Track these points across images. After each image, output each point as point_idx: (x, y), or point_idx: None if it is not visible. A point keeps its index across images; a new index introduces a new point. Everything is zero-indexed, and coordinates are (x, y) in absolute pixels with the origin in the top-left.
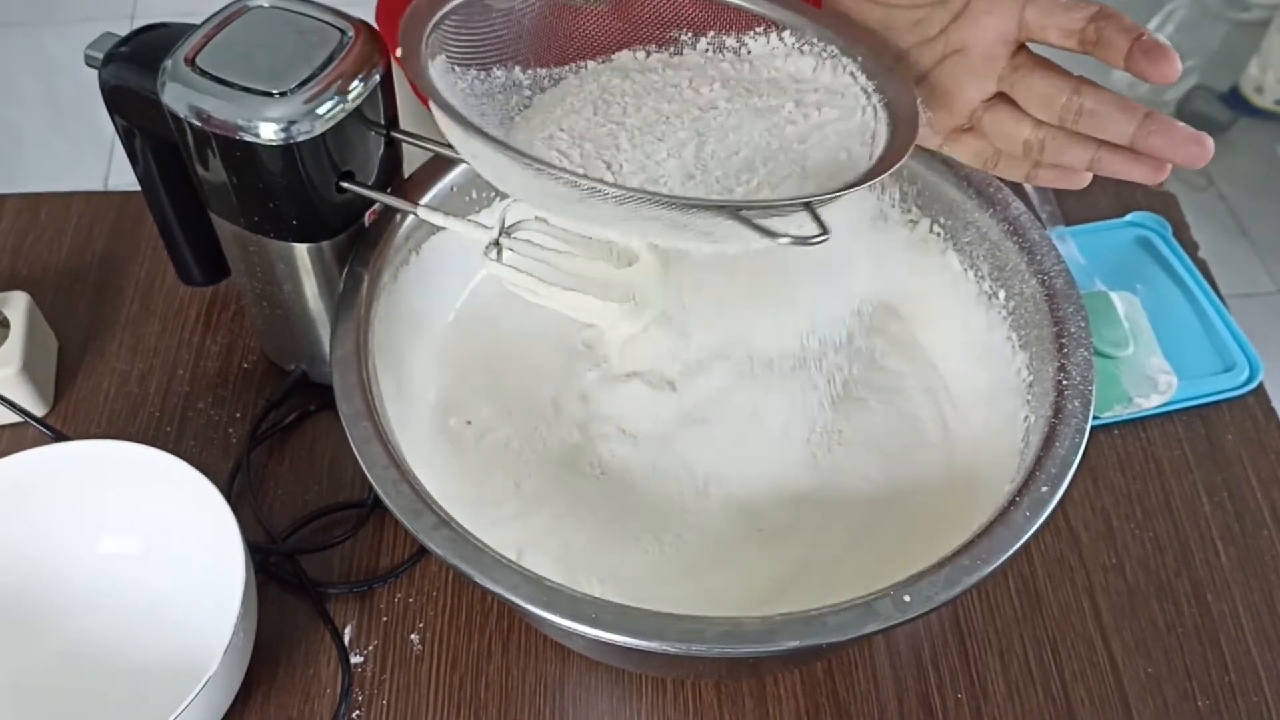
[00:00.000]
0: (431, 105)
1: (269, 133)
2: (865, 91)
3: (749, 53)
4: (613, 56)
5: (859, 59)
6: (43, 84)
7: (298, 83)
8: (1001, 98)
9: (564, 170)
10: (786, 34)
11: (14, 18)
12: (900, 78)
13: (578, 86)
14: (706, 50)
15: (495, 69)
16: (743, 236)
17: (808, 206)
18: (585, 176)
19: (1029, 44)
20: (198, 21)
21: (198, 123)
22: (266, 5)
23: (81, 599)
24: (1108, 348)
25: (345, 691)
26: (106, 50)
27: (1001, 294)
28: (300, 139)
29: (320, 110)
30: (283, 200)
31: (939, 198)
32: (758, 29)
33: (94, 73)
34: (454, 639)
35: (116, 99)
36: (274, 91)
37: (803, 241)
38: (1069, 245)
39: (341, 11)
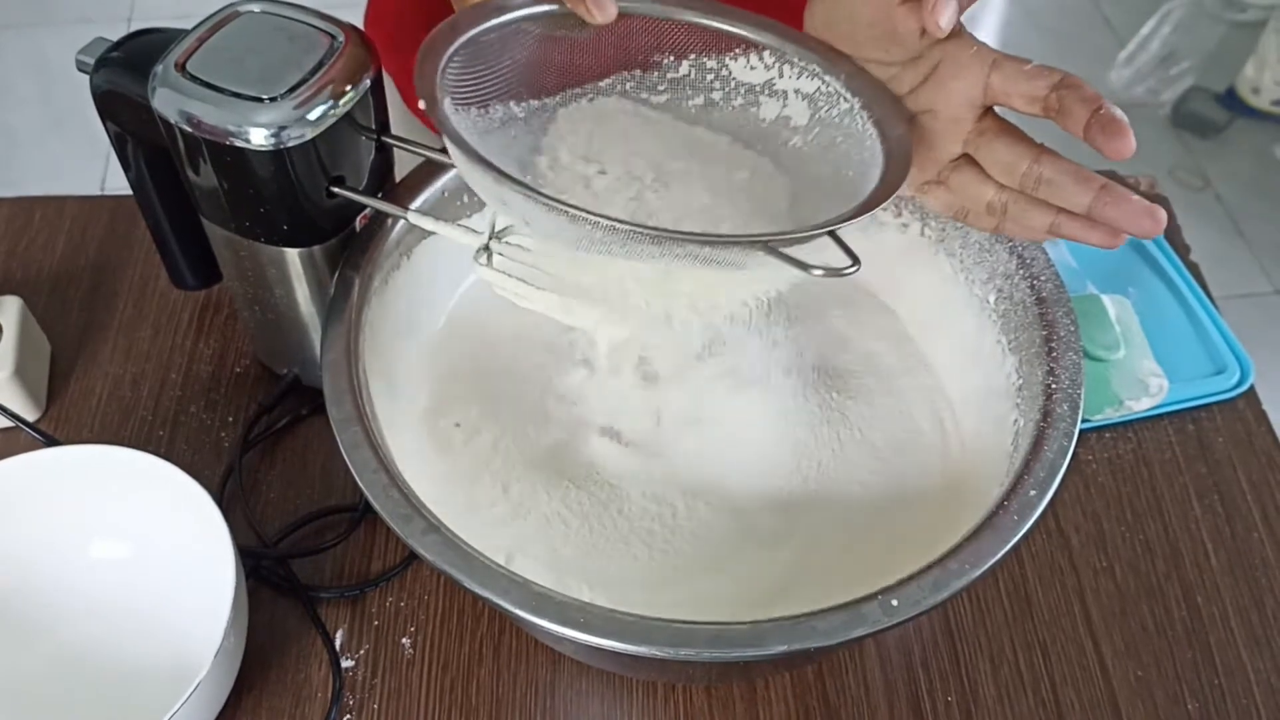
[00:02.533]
0: (458, 156)
1: (259, 138)
2: (854, 111)
3: (730, 74)
4: (601, 88)
5: (842, 77)
6: (39, 86)
7: (288, 88)
8: (968, 158)
9: (604, 216)
10: (767, 54)
11: (10, 19)
12: (880, 89)
13: (583, 124)
14: (689, 73)
15: (494, 105)
16: (770, 267)
17: (833, 234)
18: (624, 221)
19: (997, 108)
20: (194, 24)
21: (188, 128)
22: (257, 10)
23: (73, 603)
24: (1099, 350)
25: (336, 695)
26: (98, 55)
27: (992, 298)
28: (291, 144)
29: (311, 115)
30: (274, 205)
31: None
32: (737, 50)
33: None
34: (445, 643)
35: (108, 104)
36: (264, 97)
37: (836, 273)
38: (1061, 248)
39: (332, 16)
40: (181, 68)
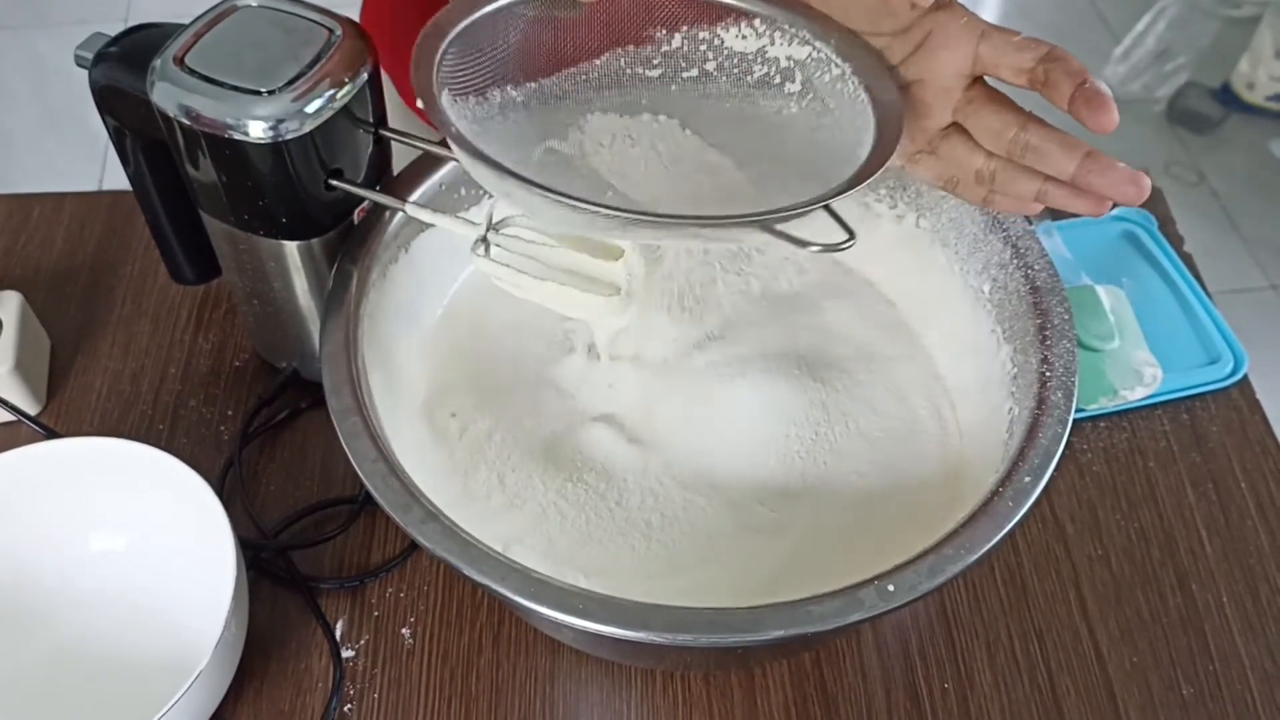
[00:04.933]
0: (461, 154)
1: (258, 131)
2: (845, 78)
3: (722, 43)
4: (599, 66)
5: (833, 42)
6: (35, 87)
7: (286, 81)
8: (957, 127)
9: (603, 205)
10: (757, 22)
11: (6, 20)
12: (875, 60)
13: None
14: (682, 46)
15: (491, 91)
16: (767, 242)
17: (828, 208)
18: (623, 209)
19: (986, 77)
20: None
21: (187, 122)
22: (255, 4)
23: (74, 595)
24: (1093, 341)
25: (337, 685)
26: (96, 50)
27: (987, 287)
28: (289, 137)
29: (308, 108)
30: (272, 198)
31: (924, 192)
32: (729, 19)
33: (86, 74)
34: (445, 633)
35: (106, 99)
36: (262, 90)
37: (832, 248)
38: (1055, 240)
39: (329, 10)
40: (180, 62)
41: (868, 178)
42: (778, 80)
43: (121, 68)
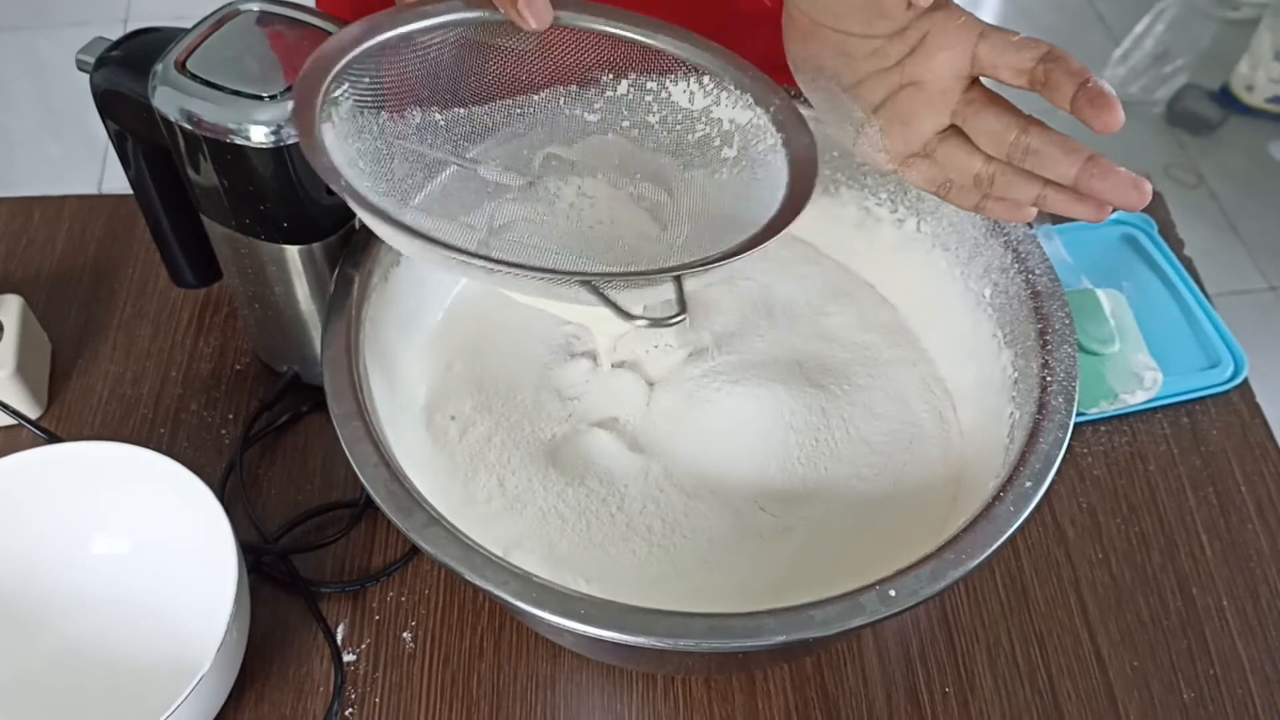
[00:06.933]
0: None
1: (259, 136)
2: (773, 145)
3: (669, 96)
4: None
5: (771, 109)
6: (35, 88)
7: (287, 86)
8: (955, 130)
9: (441, 244)
10: (706, 79)
11: (6, 21)
12: (806, 132)
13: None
14: (627, 93)
15: (411, 110)
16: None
17: (676, 280)
18: (458, 249)
19: (984, 79)
20: (190, 26)
21: (189, 126)
22: (256, 9)
23: (75, 599)
24: (1094, 345)
25: (338, 689)
26: (98, 54)
27: (988, 292)
28: (290, 142)
29: None
30: (273, 203)
31: (925, 197)
32: (677, 73)
33: (87, 76)
34: (446, 637)
35: (108, 103)
36: (264, 95)
37: (659, 323)
38: (1055, 243)
39: (330, 15)
40: (182, 66)
41: (726, 260)
42: (717, 143)
43: (123, 72)
